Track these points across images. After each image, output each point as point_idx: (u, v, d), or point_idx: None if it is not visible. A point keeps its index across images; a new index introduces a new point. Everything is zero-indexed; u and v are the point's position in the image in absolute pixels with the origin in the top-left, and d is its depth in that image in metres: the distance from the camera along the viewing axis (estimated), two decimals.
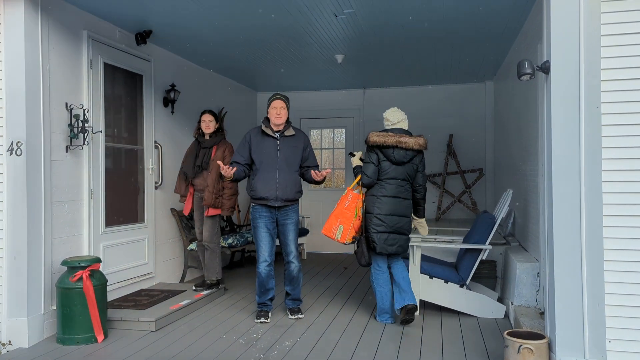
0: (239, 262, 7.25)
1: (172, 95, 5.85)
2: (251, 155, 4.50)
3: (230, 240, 6.09)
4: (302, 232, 7.28)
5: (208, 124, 5.27)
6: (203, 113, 5.33)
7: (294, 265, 4.54)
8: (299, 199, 4.67)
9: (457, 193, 7.68)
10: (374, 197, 4.32)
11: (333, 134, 8.72)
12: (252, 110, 8.57)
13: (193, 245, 5.78)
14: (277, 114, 4.46)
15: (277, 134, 4.50)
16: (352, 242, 4.39)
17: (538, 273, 4.22)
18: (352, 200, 4.39)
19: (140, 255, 5.31)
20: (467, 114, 7.81)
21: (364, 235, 4.32)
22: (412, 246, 4.60)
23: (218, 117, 5.42)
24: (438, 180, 7.80)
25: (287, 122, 4.56)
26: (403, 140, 4.22)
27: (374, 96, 8.21)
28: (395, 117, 4.42)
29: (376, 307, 4.52)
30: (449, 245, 5.11)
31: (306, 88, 8.17)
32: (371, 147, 4.30)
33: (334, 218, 4.40)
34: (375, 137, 4.24)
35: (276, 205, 4.45)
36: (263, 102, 8.57)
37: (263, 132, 4.51)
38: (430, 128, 7.78)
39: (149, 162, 5.51)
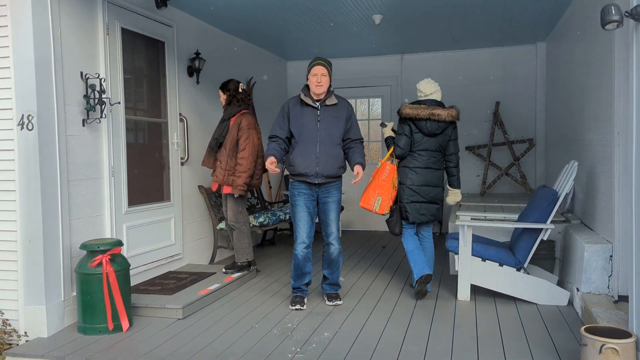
0: (271, 240, 6.90)
1: (197, 63, 5.43)
2: (290, 128, 4.07)
3: (261, 219, 5.72)
4: None
5: (221, 96, 4.94)
6: (220, 87, 5.00)
7: (334, 248, 4.13)
8: (342, 175, 4.19)
9: (504, 166, 7.10)
10: (407, 168, 4.38)
11: (369, 104, 8.20)
12: (283, 80, 8.11)
13: (222, 225, 5.44)
14: (318, 82, 3.97)
15: (318, 104, 4.04)
16: (389, 213, 4.44)
17: (611, 256, 3.69)
18: (389, 172, 4.40)
19: (166, 236, 4.99)
20: (515, 80, 7.17)
21: (398, 205, 4.39)
22: (463, 225, 4.12)
23: (226, 89, 4.93)
24: (483, 152, 7.23)
25: (329, 90, 4.09)
26: (436, 113, 4.22)
27: (412, 62, 7.63)
28: (428, 89, 4.38)
29: (411, 273, 4.39)
30: (504, 224, 4.61)
31: (339, 55, 7.59)
32: (404, 119, 4.33)
33: (371, 190, 4.39)
34: (409, 110, 4.27)
35: (317, 182, 4.01)
36: (294, 72, 8.11)
37: (302, 101, 4.05)
38: (474, 95, 7.24)
39: (174, 137, 5.14)
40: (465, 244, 4.16)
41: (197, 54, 5.42)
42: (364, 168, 4.05)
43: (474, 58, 7.31)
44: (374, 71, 7.83)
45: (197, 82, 5.56)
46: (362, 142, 4.23)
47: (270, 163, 3.93)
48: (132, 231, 4.47)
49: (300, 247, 4.07)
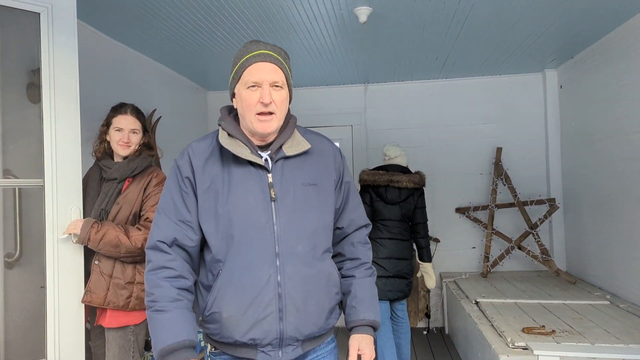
0: None
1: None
2: (200, 222, 1.62)
3: None
4: None
5: (128, 136, 2.63)
6: (117, 111, 2.66)
7: None
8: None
9: (512, 235, 5.20)
10: (371, 239, 3.57)
11: None
12: (201, 116, 5.84)
13: None
14: (264, 101, 1.57)
15: (266, 155, 1.64)
16: None
17: None
18: None
19: None
20: (518, 118, 5.39)
21: None
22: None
23: (146, 122, 2.77)
24: (482, 217, 5.30)
25: (288, 121, 1.71)
26: (395, 179, 3.79)
27: (379, 94, 5.68)
28: (392, 152, 4.00)
29: None
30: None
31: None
32: (364, 187, 3.88)
33: None
34: (366, 176, 3.86)
35: (281, 357, 1.61)
36: (216, 104, 5.90)
37: (227, 153, 1.64)
38: (466, 140, 5.38)
39: None
40: None
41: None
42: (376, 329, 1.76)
43: (463, 89, 5.49)
44: (327, 106, 5.78)
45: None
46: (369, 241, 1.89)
47: None
48: None
49: None
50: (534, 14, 3.58)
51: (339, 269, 1.79)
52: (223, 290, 1.58)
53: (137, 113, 2.71)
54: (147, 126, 3.22)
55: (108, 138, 2.64)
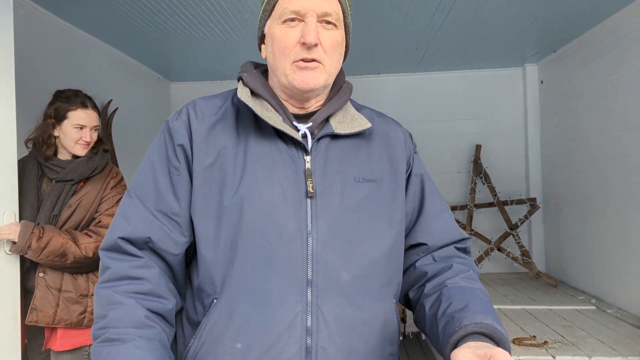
0: None
1: None
2: (192, 217, 1.06)
3: None
4: None
5: (90, 135, 2.28)
6: (72, 103, 2.27)
7: None
8: None
9: (492, 236, 5.01)
10: None
11: None
12: (164, 109, 5.42)
13: None
14: (306, 40, 1.02)
15: (306, 128, 1.09)
16: None
17: None
18: None
19: None
20: (498, 114, 5.20)
21: None
22: None
23: (100, 115, 2.44)
24: (460, 217, 5.10)
25: (341, 84, 1.19)
26: None
27: (355, 88, 5.39)
28: None
29: None
30: None
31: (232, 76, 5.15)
32: None
33: None
34: None
35: None
36: (180, 97, 5.50)
37: (249, 119, 1.10)
38: (443, 136, 5.17)
39: None
40: None
41: None
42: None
43: (442, 83, 5.26)
44: None
45: None
46: (466, 240, 1.23)
47: None
48: None
49: None
50: (517, 4, 3.35)
51: (415, 298, 1.14)
52: (217, 333, 1.01)
53: (97, 106, 2.36)
54: (103, 119, 2.86)
55: (58, 133, 2.25)
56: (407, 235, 1.17)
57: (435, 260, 1.15)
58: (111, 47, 4.17)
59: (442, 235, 1.17)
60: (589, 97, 3.99)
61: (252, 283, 1.00)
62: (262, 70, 1.18)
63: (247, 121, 1.09)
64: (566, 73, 4.40)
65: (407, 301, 1.20)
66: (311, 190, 1.03)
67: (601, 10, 3.53)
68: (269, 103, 1.09)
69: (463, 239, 1.19)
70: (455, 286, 1.05)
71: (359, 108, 1.21)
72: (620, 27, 3.57)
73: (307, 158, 1.06)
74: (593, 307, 3.72)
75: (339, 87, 1.17)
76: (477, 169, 5.00)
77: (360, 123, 1.13)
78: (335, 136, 1.11)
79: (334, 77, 1.13)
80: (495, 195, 4.87)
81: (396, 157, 1.17)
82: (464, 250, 1.19)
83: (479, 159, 5.03)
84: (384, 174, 1.13)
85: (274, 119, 1.06)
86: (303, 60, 1.04)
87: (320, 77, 1.06)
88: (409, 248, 1.18)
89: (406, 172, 1.19)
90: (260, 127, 1.08)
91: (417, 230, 1.18)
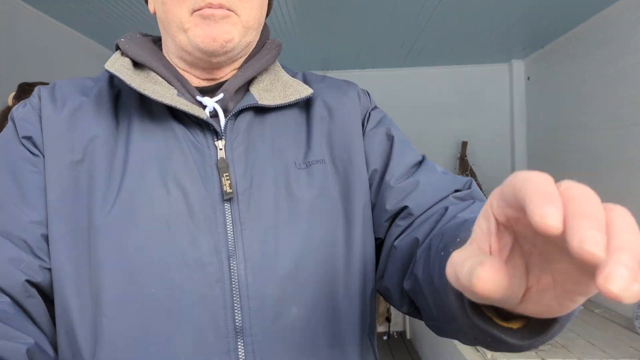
0: None
1: None
2: (48, 223, 0.71)
3: None
4: None
5: None
6: (30, 93, 2.09)
7: None
8: None
9: None
10: None
11: None
12: None
13: None
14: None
15: (215, 102, 0.77)
16: None
17: None
18: None
19: None
20: (484, 111, 5.15)
21: None
22: None
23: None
24: None
25: (264, 41, 0.86)
26: None
27: None
28: None
29: None
30: None
31: None
32: None
33: None
34: None
35: None
36: None
37: (130, 99, 0.78)
38: (429, 133, 5.09)
39: None
40: None
41: None
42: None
43: (428, 79, 5.19)
44: None
45: None
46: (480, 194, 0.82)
47: None
48: None
49: None
50: None
51: (411, 259, 0.72)
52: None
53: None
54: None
55: None
56: (374, 207, 0.81)
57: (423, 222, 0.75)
58: (88, 38, 4.00)
59: (427, 192, 0.78)
60: (576, 93, 3.95)
61: (144, 347, 0.65)
62: (154, 39, 0.89)
63: (130, 104, 0.77)
64: (553, 69, 4.36)
65: (402, 301, 0.77)
66: (229, 190, 0.70)
67: (589, 7, 3.48)
68: (159, 74, 0.77)
69: (460, 189, 0.79)
70: (454, 222, 0.67)
71: (294, 74, 0.89)
72: (608, 24, 3.52)
73: (220, 144, 0.74)
74: (580, 307, 3.69)
75: (262, 43, 0.85)
76: (463, 166, 4.94)
77: (297, 89, 0.81)
78: (260, 109, 0.78)
79: (256, 34, 0.80)
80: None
81: (350, 123, 0.83)
82: (467, 196, 0.78)
83: (465, 156, 4.97)
84: (335, 148, 0.81)
85: (161, 92, 0.73)
86: (208, 6, 0.71)
87: (234, 29, 0.73)
88: (381, 227, 0.80)
89: (362, 135, 0.84)
90: (149, 110, 0.76)
91: (387, 196, 0.80)
